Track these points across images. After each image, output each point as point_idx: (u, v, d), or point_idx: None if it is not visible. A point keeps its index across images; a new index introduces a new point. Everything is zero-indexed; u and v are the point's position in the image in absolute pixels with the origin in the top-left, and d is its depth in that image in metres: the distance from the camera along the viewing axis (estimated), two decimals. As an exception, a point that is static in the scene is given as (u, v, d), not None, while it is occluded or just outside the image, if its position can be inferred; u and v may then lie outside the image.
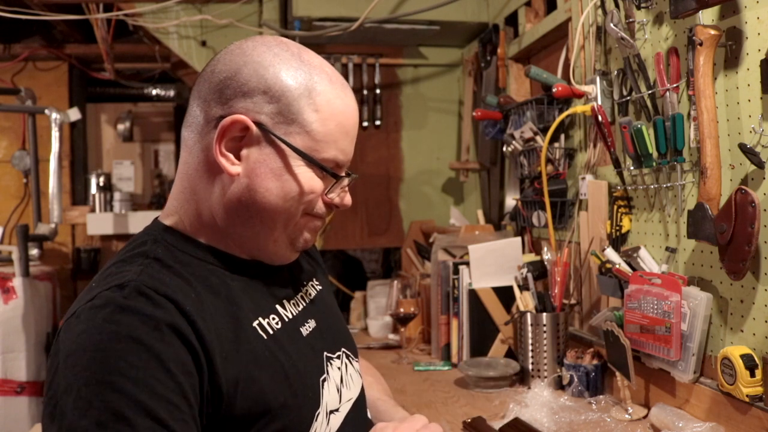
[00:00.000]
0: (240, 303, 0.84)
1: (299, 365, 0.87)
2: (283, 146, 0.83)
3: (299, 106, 0.83)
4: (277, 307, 0.90)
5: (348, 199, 0.92)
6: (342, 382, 0.95)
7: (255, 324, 0.84)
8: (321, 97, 0.84)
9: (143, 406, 0.68)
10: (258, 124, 0.82)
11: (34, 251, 3.33)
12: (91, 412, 0.67)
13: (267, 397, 0.80)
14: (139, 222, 3.64)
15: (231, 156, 0.83)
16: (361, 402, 1.01)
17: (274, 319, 0.88)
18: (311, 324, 0.95)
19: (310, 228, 0.91)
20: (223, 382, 0.76)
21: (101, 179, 3.83)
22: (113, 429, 0.67)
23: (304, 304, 0.97)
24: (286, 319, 0.90)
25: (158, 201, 4.07)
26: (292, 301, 0.94)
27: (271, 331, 0.86)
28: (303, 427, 0.85)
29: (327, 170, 0.86)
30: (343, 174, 0.90)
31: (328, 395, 0.91)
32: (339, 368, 0.96)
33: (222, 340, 0.78)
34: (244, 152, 0.83)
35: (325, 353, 0.94)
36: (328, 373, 0.93)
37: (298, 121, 0.83)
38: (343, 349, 1.00)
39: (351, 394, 0.97)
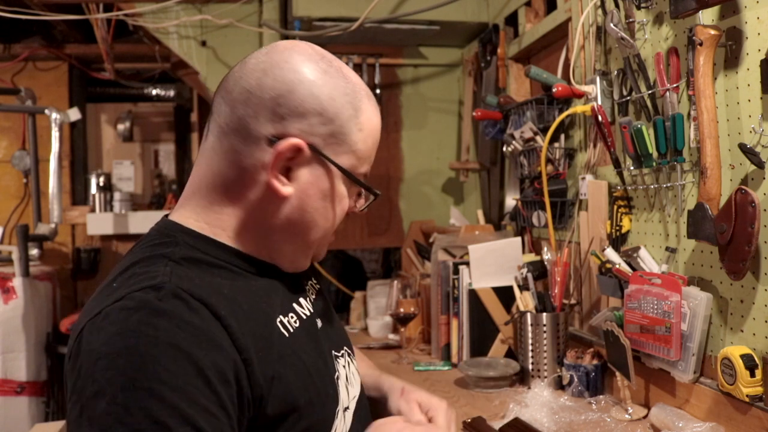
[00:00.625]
0: (267, 300, 0.85)
1: (318, 363, 0.88)
2: (332, 166, 0.85)
3: (349, 128, 0.85)
4: (294, 305, 0.91)
5: (362, 205, 0.96)
6: (347, 380, 0.96)
7: (277, 322, 0.85)
8: (364, 115, 0.87)
9: (183, 415, 0.67)
10: (311, 146, 0.83)
11: (34, 251, 3.33)
12: (128, 419, 0.65)
13: (294, 395, 0.80)
14: (139, 222, 3.64)
15: (282, 177, 0.84)
16: (363, 399, 1.02)
17: (292, 317, 0.88)
18: (319, 323, 0.96)
19: (329, 241, 0.94)
20: (262, 383, 0.75)
21: (101, 179, 3.83)
22: None
23: (311, 304, 0.98)
24: (303, 318, 0.91)
25: (158, 201, 4.07)
26: (305, 301, 0.95)
27: (291, 330, 0.86)
28: (327, 425, 0.85)
29: (370, 189, 0.90)
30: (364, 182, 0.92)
31: (342, 392, 0.92)
32: (344, 366, 0.97)
33: (257, 338, 0.77)
34: (295, 173, 0.84)
35: (333, 351, 0.95)
36: (338, 371, 0.94)
37: (347, 142, 0.86)
38: (345, 348, 1.02)
39: (355, 392, 0.98)
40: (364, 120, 0.87)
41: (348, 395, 0.94)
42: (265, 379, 0.76)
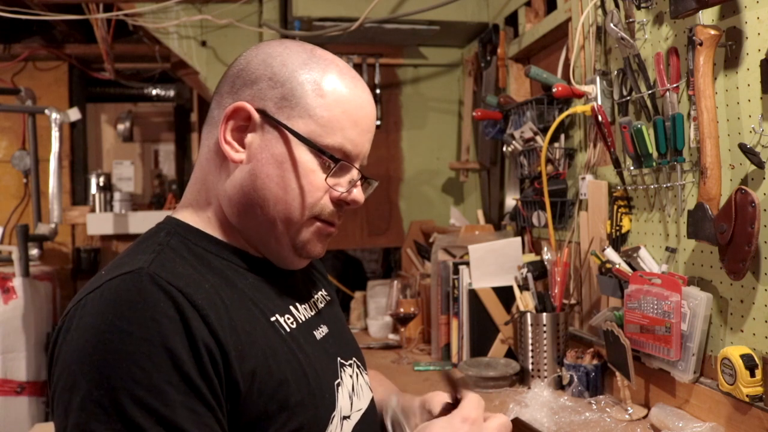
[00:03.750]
0: (256, 298, 0.83)
1: (316, 366, 0.86)
2: (286, 131, 0.83)
3: (303, 91, 0.83)
4: (291, 308, 0.89)
5: (357, 195, 0.88)
6: (353, 391, 0.94)
7: (273, 319, 0.83)
8: (327, 82, 0.84)
9: (158, 415, 0.66)
10: (260, 110, 0.83)
11: (34, 251, 3.33)
12: (102, 416, 0.65)
13: (285, 393, 0.78)
14: (139, 222, 3.64)
15: (235, 144, 0.84)
16: (370, 414, 0.98)
17: (289, 318, 0.87)
18: (324, 329, 0.94)
19: (317, 234, 0.88)
20: (240, 378, 0.74)
21: (101, 179, 3.83)
22: None
23: (316, 311, 0.96)
24: (300, 321, 0.89)
25: (158, 201, 4.07)
26: (304, 305, 0.93)
27: (288, 329, 0.85)
28: (319, 429, 0.83)
29: (325, 153, 0.83)
30: (355, 165, 0.87)
31: (343, 400, 0.89)
32: (351, 376, 0.95)
33: (238, 332, 0.76)
34: (247, 139, 0.84)
35: (338, 358, 0.93)
36: (341, 379, 0.91)
37: (302, 105, 0.83)
38: (354, 359, 0.99)
39: (361, 405, 0.95)
40: (327, 86, 0.84)
41: (351, 405, 0.91)
42: (244, 374, 0.74)
